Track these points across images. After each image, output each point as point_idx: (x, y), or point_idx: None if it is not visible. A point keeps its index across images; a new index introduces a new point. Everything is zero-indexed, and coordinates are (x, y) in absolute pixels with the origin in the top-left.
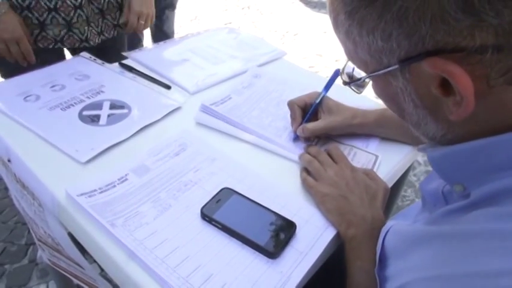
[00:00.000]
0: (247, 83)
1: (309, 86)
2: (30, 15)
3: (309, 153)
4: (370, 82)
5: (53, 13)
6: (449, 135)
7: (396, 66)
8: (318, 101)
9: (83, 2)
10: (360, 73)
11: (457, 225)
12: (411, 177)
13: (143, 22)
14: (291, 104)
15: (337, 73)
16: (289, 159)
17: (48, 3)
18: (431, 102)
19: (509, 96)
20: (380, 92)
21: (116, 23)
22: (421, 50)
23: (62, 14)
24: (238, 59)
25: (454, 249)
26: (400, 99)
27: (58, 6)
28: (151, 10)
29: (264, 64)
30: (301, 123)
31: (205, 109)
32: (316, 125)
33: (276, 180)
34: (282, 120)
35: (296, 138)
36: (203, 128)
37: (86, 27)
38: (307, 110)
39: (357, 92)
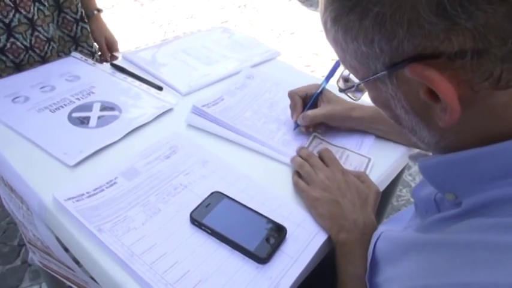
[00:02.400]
0: (240, 84)
1: (301, 85)
2: (4, 58)
3: (300, 157)
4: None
5: (30, 52)
6: (442, 143)
7: (383, 72)
8: (319, 90)
9: (53, 33)
10: (356, 79)
11: (447, 234)
12: (406, 177)
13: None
14: (291, 94)
15: (338, 64)
16: (281, 162)
17: (24, 42)
18: (421, 109)
19: (496, 102)
20: (374, 99)
21: (93, 50)
22: (402, 56)
23: (37, 51)
24: (232, 60)
25: (443, 259)
26: (392, 105)
27: (33, 43)
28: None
29: (258, 64)
30: (301, 113)
31: (196, 111)
32: (316, 112)
33: (267, 183)
34: (275, 122)
35: (297, 127)
36: (195, 130)
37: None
38: (307, 101)
39: (354, 99)
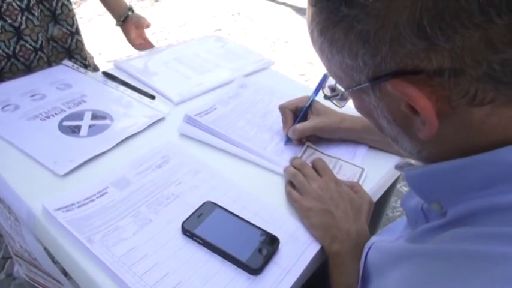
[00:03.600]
0: (233, 93)
1: (297, 96)
2: None
3: (293, 166)
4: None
5: (12, 59)
6: (424, 153)
7: (366, 84)
8: (307, 104)
9: (43, 43)
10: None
11: (433, 244)
12: (402, 188)
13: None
14: (282, 108)
15: (325, 77)
16: (274, 172)
17: (6, 49)
18: (402, 120)
19: (473, 117)
20: (357, 107)
21: (86, 63)
22: (385, 71)
23: (21, 59)
24: (225, 69)
25: (429, 270)
26: (374, 115)
27: (17, 51)
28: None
29: (251, 74)
30: (292, 125)
31: (189, 120)
32: (304, 125)
33: (260, 193)
34: (268, 132)
35: (288, 141)
36: (187, 139)
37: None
38: (298, 114)
39: (338, 106)
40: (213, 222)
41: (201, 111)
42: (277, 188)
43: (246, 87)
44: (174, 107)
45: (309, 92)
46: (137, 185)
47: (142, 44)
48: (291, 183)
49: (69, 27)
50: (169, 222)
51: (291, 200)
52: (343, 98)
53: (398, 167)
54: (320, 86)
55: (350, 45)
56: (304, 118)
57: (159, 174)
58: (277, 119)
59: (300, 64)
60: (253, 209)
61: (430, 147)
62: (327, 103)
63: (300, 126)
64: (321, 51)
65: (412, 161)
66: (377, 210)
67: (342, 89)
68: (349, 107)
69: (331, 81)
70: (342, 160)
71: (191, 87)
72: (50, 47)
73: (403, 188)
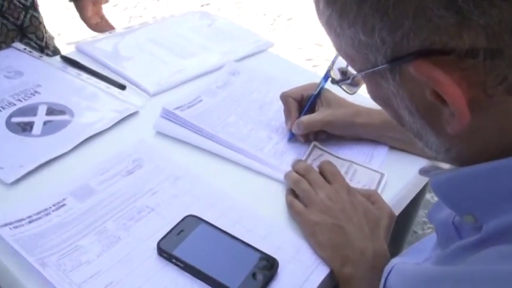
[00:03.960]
0: (223, 82)
1: (299, 84)
2: None
3: (297, 172)
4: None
5: None
6: (453, 152)
7: (384, 65)
8: (316, 92)
9: None
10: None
11: (468, 265)
12: (433, 199)
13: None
14: (284, 97)
15: (336, 58)
16: (273, 178)
17: None
18: (427, 111)
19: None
20: (372, 94)
21: (43, 44)
22: (407, 50)
23: None
24: (213, 52)
25: None
26: (393, 104)
27: None
28: None
29: (245, 58)
30: (297, 118)
31: (167, 114)
32: (312, 117)
33: (255, 205)
34: (265, 129)
35: (292, 137)
36: (165, 138)
37: None
38: (304, 104)
39: (349, 93)
40: (197, 240)
41: (183, 104)
42: (276, 199)
43: (238, 75)
44: (149, 98)
45: (317, 80)
46: (103, 195)
47: (99, 24)
48: (293, 192)
49: (22, 0)
50: (143, 241)
51: (293, 213)
52: (355, 83)
53: (423, 172)
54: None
55: (364, 18)
56: (312, 110)
57: (130, 181)
58: (276, 113)
59: (306, 46)
60: (247, 224)
61: (461, 145)
62: (341, 92)
63: (306, 118)
64: (329, 26)
65: (440, 164)
66: (400, 226)
67: (354, 72)
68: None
69: (341, 62)
70: (357, 163)
71: (170, 74)
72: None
73: (434, 198)
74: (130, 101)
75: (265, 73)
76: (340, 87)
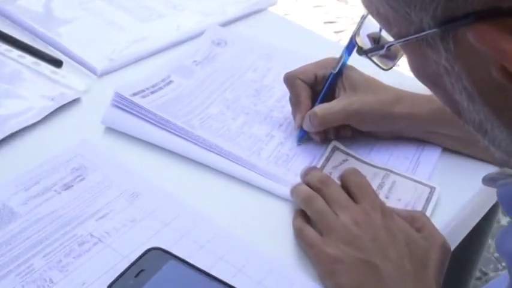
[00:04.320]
0: (203, 56)
1: (315, 59)
2: None
3: (309, 185)
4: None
5: None
6: None
7: (433, 30)
8: (336, 70)
9: None
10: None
11: None
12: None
13: None
14: (291, 79)
15: (363, 19)
16: (274, 194)
17: None
18: (493, 94)
19: None
20: (417, 72)
21: None
22: (465, 8)
23: None
24: (188, 11)
25: None
26: (446, 84)
27: None
28: None
29: (235, 20)
30: (309, 111)
31: (122, 103)
32: (330, 107)
33: (248, 233)
34: (264, 123)
35: (303, 136)
36: (118, 138)
37: None
38: (319, 89)
39: (383, 68)
40: (163, 285)
41: (145, 87)
42: (279, 224)
43: (225, 45)
44: (96, 80)
45: (338, 53)
46: (27, 220)
47: None
48: (303, 215)
49: None
50: (86, 286)
51: (304, 245)
52: (391, 55)
53: (487, 180)
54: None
55: None
56: (331, 96)
57: (68, 199)
58: (279, 101)
59: (325, 3)
60: (236, 262)
61: None
62: (372, 69)
63: (322, 109)
64: None
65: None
66: (460, 264)
67: (391, 39)
68: (410, 76)
69: (371, 25)
70: (396, 173)
71: (127, 45)
72: None
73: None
74: (69, 83)
75: (264, 43)
76: (371, 59)
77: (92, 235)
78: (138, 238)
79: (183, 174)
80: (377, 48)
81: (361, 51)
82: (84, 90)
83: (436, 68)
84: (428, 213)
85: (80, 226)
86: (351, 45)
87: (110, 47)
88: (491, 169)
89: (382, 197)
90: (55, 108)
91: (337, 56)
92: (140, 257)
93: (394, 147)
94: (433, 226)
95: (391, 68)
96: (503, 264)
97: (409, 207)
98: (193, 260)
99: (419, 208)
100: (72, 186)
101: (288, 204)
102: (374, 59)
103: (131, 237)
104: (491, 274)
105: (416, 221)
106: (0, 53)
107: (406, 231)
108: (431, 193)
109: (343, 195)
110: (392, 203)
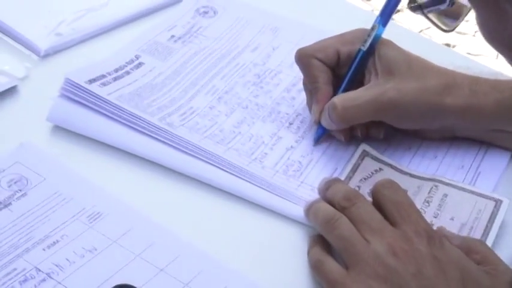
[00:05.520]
0: (184, 30)
1: (337, 33)
2: None
3: (330, 202)
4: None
5: None
6: None
7: None
8: (366, 46)
9: None
10: None
11: None
12: None
13: None
14: (305, 59)
15: None
16: (282, 214)
17: None
18: None
19: None
20: (490, 36)
21: None
22: None
23: None
24: None
25: None
26: None
27: None
28: None
29: None
30: (329, 99)
31: (74, 92)
32: (356, 97)
33: (249, 267)
34: (268, 120)
35: (322, 134)
36: (69, 139)
37: None
38: (342, 72)
39: (443, 29)
40: None
41: (105, 71)
42: (288, 255)
43: (214, 15)
44: (38, 62)
45: (369, 24)
46: None
47: None
48: (321, 242)
49: None
50: None
51: (324, 281)
52: (454, 12)
53: None
54: (396, 3)
55: None
56: (358, 82)
57: (5, 222)
58: (289, 89)
59: None
60: None
61: None
62: (417, 45)
63: (347, 99)
64: None
65: None
66: None
67: None
68: (463, 57)
69: None
70: (446, 183)
71: (79, 14)
72: None
73: None
74: (2, 67)
75: (268, 12)
76: (427, 18)
77: (38, 269)
78: (99, 273)
79: (159, 188)
80: (438, 2)
81: (416, 7)
82: (23, 77)
83: None
84: (492, 234)
85: (22, 258)
86: (388, 11)
87: (56, 17)
88: None
89: (429, 216)
90: None
91: (366, 28)
92: None
93: (444, 151)
94: (498, 257)
95: (454, 29)
96: None
97: (466, 229)
98: None
99: (481, 228)
100: (10, 204)
101: (301, 229)
102: (431, 16)
103: (90, 272)
104: None
105: (475, 250)
106: None
107: (462, 263)
108: (496, 207)
109: (377, 216)
110: (443, 222)
